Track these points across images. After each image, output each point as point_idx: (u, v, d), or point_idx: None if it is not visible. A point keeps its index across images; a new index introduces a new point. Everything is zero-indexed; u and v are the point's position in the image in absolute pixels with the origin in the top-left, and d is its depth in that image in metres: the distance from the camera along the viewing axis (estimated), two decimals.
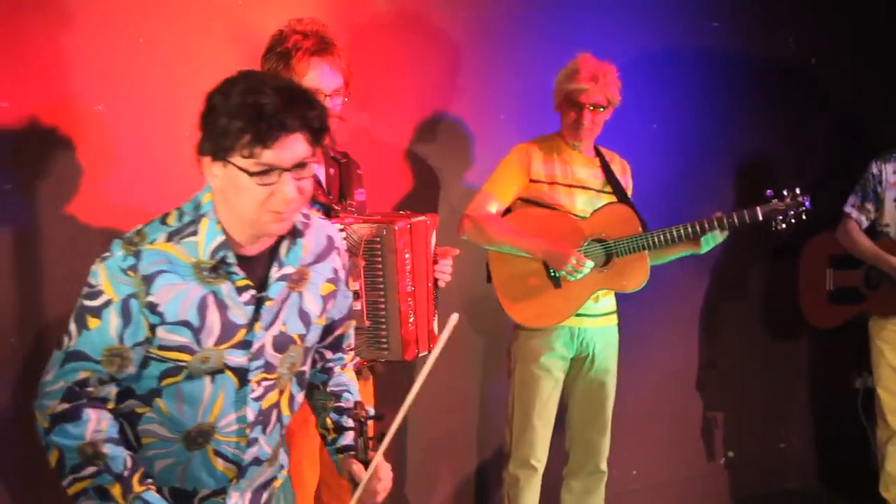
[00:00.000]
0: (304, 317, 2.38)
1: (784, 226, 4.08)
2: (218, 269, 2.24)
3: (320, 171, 3.29)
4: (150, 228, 2.26)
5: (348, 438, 2.48)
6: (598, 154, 4.11)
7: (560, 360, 4.03)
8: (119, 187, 3.68)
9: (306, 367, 2.47)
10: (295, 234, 2.34)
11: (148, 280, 2.20)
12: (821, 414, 5.53)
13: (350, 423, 2.43)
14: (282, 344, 2.34)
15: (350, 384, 2.60)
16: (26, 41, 3.51)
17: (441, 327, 2.33)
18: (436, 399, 4.28)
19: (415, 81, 4.33)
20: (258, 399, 2.34)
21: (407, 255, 3.15)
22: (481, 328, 4.54)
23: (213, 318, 2.24)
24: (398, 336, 3.17)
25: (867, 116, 5.35)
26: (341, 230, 3.11)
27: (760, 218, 4.01)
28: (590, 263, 3.88)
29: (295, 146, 2.14)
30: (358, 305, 3.14)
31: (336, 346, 2.61)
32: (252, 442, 2.36)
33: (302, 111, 2.14)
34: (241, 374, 2.30)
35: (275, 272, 2.31)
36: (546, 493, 4.14)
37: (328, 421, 2.53)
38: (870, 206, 4.65)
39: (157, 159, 3.73)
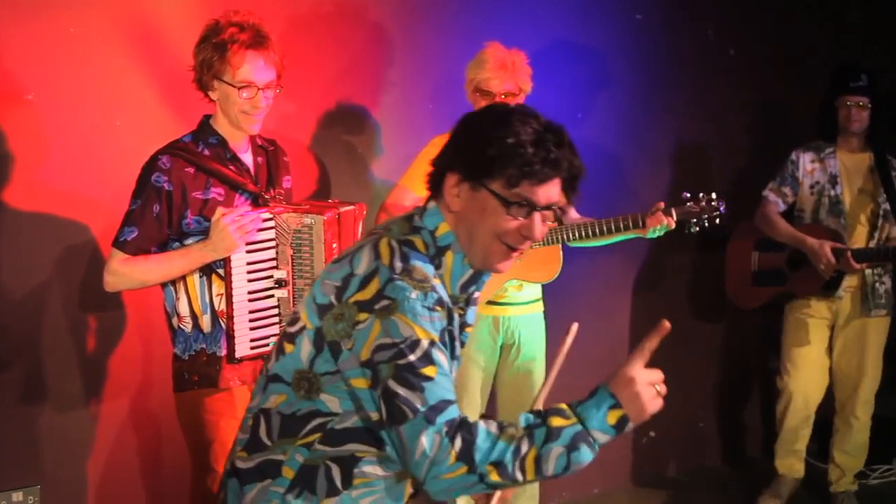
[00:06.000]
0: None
1: (697, 229, 4.06)
2: (460, 303, 2.20)
3: (248, 159, 3.33)
4: (419, 261, 2.13)
5: None
6: None
7: (486, 350, 4.06)
8: (50, 175, 3.70)
9: None
10: None
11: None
12: (738, 394, 5.70)
13: None
14: None
15: None
16: None
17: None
18: None
19: (339, 71, 4.34)
20: None
21: (335, 245, 3.20)
22: None
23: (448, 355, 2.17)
24: None
25: (786, 108, 5.51)
26: (270, 219, 3.19)
27: (675, 220, 3.97)
28: None
29: (553, 188, 2.14)
30: (285, 293, 3.21)
31: None
32: None
33: (570, 157, 2.13)
34: None
35: (474, 297, 2.29)
36: None
37: None
38: (787, 191, 4.78)
39: (88, 147, 3.75)
